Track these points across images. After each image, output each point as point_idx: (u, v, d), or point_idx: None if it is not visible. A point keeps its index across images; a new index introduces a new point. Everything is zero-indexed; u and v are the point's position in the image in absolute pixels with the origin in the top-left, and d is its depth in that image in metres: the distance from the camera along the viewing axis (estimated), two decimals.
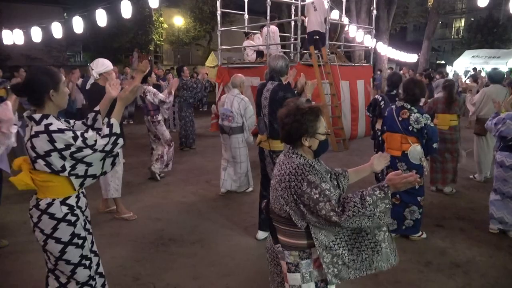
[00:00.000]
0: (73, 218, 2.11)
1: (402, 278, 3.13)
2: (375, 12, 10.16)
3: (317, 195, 1.67)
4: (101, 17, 8.17)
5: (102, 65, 4.08)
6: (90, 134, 2.06)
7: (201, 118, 11.37)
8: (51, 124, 1.99)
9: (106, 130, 2.10)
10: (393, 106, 3.80)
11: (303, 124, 1.78)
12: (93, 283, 2.24)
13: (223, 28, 10.57)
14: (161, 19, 25.15)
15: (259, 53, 9.56)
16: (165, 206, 4.74)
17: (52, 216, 2.06)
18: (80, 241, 2.14)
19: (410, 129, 3.55)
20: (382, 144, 4.87)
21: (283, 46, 10.47)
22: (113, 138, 2.10)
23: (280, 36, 10.14)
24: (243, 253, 3.54)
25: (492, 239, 3.84)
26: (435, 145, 3.61)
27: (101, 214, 4.41)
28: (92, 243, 2.27)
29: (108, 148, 2.08)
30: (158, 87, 6.22)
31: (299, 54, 8.52)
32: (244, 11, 10.71)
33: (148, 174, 5.85)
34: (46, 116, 2.02)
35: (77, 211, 2.13)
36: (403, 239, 3.80)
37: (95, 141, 2.04)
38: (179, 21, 24.18)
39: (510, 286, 3.08)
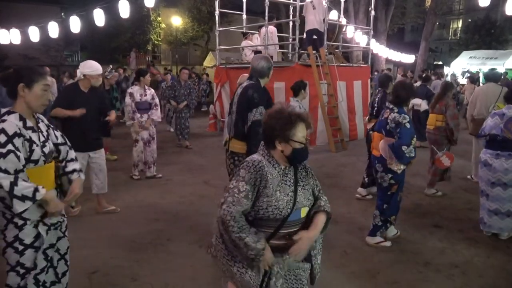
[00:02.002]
0: (20, 222, 2.05)
1: (400, 279, 3.13)
2: (373, 13, 10.18)
3: (231, 186, 1.78)
4: (99, 17, 8.16)
5: (89, 67, 4.03)
6: (13, 160, 1.93)
7: (199, 118, 11.37)
8: (4, 121, 1.97)
9: (18, 189, 1.91)
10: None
11: (275, 128, 1.79)
12: None
13: (221, 28, 10.57)
14: (159, 19, 25.13)
15: (257, 53, 9.55)
16: (163, 206, 4.72)
17: (3, 214, 2.06)
18: (20, 247, 2.07)
19: (387, 128, 3.53)
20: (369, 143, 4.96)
21: (281, 47, 10.47)
22: (6, 195, 1.92)
23: (278, 37, 10.14)
24: None
25: (489, 239, 3.85)
26: (404, 148, 3.27)
27: (99, 215, 4.39)
28: (45, 255, 2.14)
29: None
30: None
31: (297, 55, 8.52)
32: (242, 11, 10.70)
33: (146, 173, 5.84)
34: (9, 113, 2.02)
35: (27, 217, 2.06)
36: (402, 240, 3.80)
37: (3, 169, 1.91)
38: (177, 21, 24.13)
39: (507, 286, 3.09)
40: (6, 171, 1.92)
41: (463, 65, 18.94)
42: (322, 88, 8.16)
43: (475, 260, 3.44)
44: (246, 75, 5.04)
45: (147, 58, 21.96)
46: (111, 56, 22.53)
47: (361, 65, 10.41)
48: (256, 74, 3.38)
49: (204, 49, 25.87)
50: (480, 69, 17.42)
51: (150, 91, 5.72)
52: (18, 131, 2.00)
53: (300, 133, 1.80)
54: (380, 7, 16.65)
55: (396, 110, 3.52)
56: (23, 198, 1.93)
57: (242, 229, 1.72)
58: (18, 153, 1.97)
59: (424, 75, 9.86)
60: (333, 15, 10.25)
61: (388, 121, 3.52)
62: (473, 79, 12.43)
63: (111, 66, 4.14)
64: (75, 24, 8.57)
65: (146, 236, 3.88)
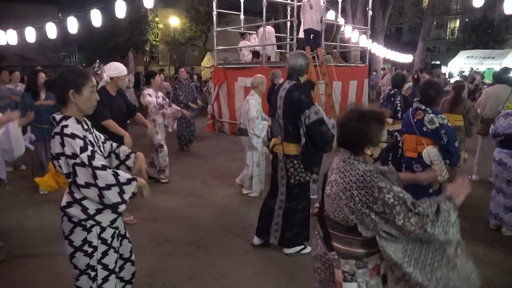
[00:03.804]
0: (88, 224, 2.05)
1: None
2: (370, 12, 10.22)
3: (392, 200, 1.57)
4: (96, 17, 8.14)
5: (115, 69, 3.88)
6: (100, 157, 1.97)
7: (197, 118, 11.35)
8: (67, 126, 1.95)
9: (122, 177, 1.97)
10: (411, 108, 3.76)
11: (367, 134, 1.67)
12: None
13: (219, 29, 10.57)
14: (157, 19, 25.15)
15: (255, 54, 9.56)
16: (161, 207, 4.72)
17: (70, 219, 2.04)
18: (89, 249, 2.06)
19: (424, 130, 3.48)
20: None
21: (279, 47, 10.48)
22: (115, 188, 1.96)
23: (276, 37, 10.15)
24: (239, 254, 3.54)
25: (487, 238, 3.87)
26: (456, 144, 3.46)
27: None
28: (104, 254, 2.11)
29: (104, 187, 1.94)
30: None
31: None
32: (240, 11, 10.71)
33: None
34: (66, 118, 2.00)
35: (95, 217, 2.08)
36: None
37: (101, 166, 1.93)
38: (174, 21, 24.14)
39: (505, 284, 3.10)
40: (104, 167, 1.95)
41: (460, 65, 19.03)
42: (320, 88, 8.16)
43: (472, 259, 3.45)
44: (260, 75, 5.06)
45: (145, 59, 21.95)
46: (109, 56, 22.46)
47: (359, 65, 10.43)
48: (295, 73, 3.31)
49: (202, 50, 25.88)
50: (477, 68, 17.47)
51: (160, 93, 5.69)
52: (84, 133, 2.02)
53: (385, 131, 1.73)
54: (378, 7, 16.72)
55: (430, 111, 3.48)
56: (129, 181, 2.00)
57: (434, 208, 1.61)
58: (98, 151, 2.02)
59: (416, 76, 10.11)
60: (331, 15, 10.28)
61: (425, 122, 3.48)
62: (465, 79, 12.53)
63: (98, 61, 3.98)
64: (72, 24, 8.55)
65: (144, 236, 3.88)
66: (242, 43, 9.74)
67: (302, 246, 3.51)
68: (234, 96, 9.48)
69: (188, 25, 25.07)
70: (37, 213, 4.43)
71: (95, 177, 1.92)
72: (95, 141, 2.13)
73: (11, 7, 19.79)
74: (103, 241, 2.11)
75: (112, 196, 1.97)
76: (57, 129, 1.95)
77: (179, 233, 3.98)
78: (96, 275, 2.10)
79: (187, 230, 4.05)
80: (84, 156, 1.90)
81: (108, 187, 1.94)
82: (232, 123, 9.68)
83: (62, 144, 1.91)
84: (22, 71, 10.68)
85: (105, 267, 2.13)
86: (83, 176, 1.93)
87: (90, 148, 1.94)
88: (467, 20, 29.24)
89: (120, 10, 7.85)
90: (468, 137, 5.26)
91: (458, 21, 33.35)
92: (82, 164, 1.90)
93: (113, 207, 2.08)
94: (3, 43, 9.86)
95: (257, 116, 4.74)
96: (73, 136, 1.92)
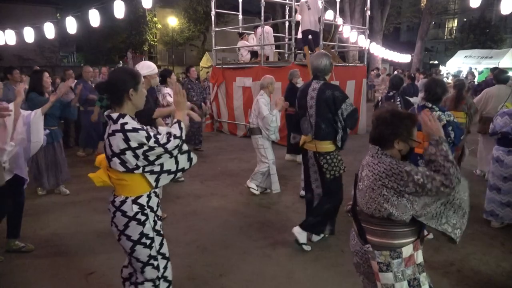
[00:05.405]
0: (142, 218, 2.15)
1: None
2: (368, 12, 10.21)
3: (421, 179, 1.75)
4: (94, 18, 8.13)
5: (148, 68, 3.87)
6: (162, 134, 2.11)
7: None
8: (126, 123, 2.03)
9: (177, 132, 2.12)
10: (415, 106, 3.84)
11: (398, 127, 1.84)
12: (158, 282, 2.26)
13: (217, 29, 10.57)
14: (155, 19, 25.12)
15: (254, 54, 9.57)
16: (159, 207, 4.71)
17: (124, 213, 2.12)
18: (148, 241, 2.18)
19: None
20: None
21: (277, 47, 10.48)
22: (181, 142, 2.14)
23: (275, 37, 10.15)
24: (238, 254, 3.54)
25: (485, 237, 3.88)
26: (462, 137, 3.61)
27: (95, 215, 4.38)
28: (161, 244, 2.27)
29: (174, 151, 2.12)
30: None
31: (293, 54, 8.53)
32: (238, 11, 10.71)
33: None
34: (122, 116, 2.06)
35: (147, 211, 2.17)
36: None
37: (168, 139, 2.07)
38: (173, 21, 24.15)
39: (503, 283, 3.11)
40: (168, 140, 2.08)
41: (458, 64, 19.07)
42: None
43: (470, 258, 3.46)
44: (269, 76, 5.07)
45: (143, 59, 21.90)
46: (107, 56, 22.45)
47: (357, 64, 10.44)
48: (321, 73, 3.45)
49: (200, 50, 25.87)
50: (475, 68, 17.51)
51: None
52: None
53: (416, 131, 1.89)
54: (376, 6, 16.74)
55: (436, 108, 3.55)
56: (181, 130, 2.15)
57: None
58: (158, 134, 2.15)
59: (413, 75, 10.28)
60: (329, 15, 10.28)
61: None
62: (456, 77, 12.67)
63: (121, 62, 3.88)
64: (70, 25, 8.54)
65: None
66: (241, 43, 9.73)
67: (304, 243, 3.55)
68: (232, 96, 9.48)
69: (186, 25, 25.05)
70: (36, 214, 4.41)
71: (167, 150, 2.07)
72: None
73: (9, 7, 19.78)
74: (158, 232, 2.25)
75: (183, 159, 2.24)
76: (116, 127, 2.01)
77: (178, 233, 3.97)
78: (158, 265, 2.22)
79: (185, 230, 4.05)
80: (151, 143, 2.02)
81: (175, 148, 2.12)
82: (230, 123, 9.68)
83: (127, 140, 1.99)
84: (20, 72, 10.63)
85: (163, 256, 2.29)
86: (159, 157, 2.08)
87: (152, 133, 2.05)
88: (465, 20, 29.32)
89: (119, 10, 7.85)
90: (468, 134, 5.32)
91: (456, 21, 33.45)
92: (152, 148, 2.02)
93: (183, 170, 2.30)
94: (2, 43, 9.83)
95: (269, 113, 4.80)
96: (135, 130, 2.01)
